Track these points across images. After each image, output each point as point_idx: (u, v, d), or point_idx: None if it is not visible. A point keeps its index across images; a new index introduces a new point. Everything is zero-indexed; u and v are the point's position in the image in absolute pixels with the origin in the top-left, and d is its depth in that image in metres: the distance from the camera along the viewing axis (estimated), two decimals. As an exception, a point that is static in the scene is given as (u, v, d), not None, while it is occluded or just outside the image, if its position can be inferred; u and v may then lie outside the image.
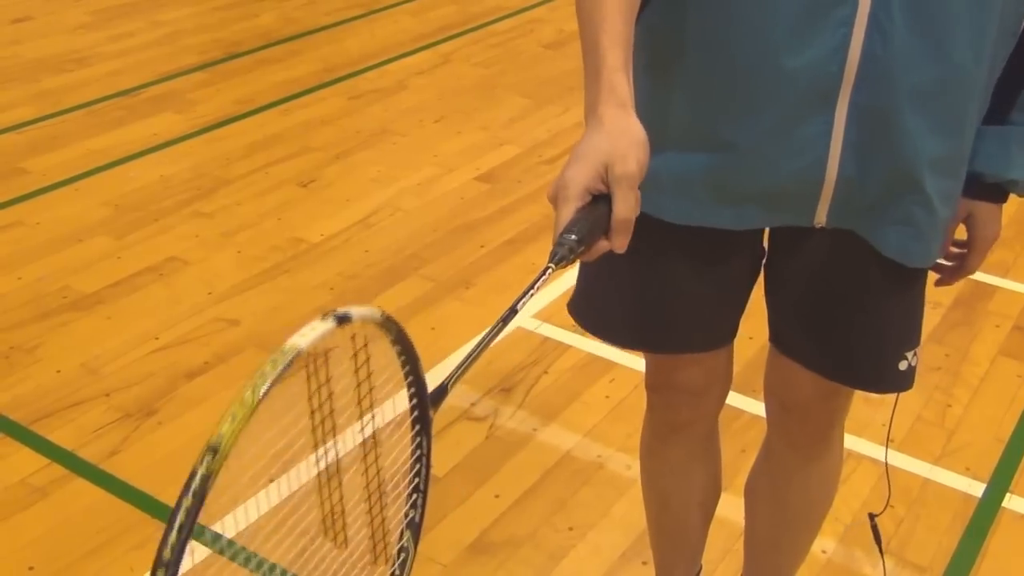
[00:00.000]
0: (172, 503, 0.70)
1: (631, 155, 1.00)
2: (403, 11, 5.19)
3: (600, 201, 1.00)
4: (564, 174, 1.00)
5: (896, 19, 1.14)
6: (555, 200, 1.00)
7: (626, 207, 1.00)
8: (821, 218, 1.29)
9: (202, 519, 0.69)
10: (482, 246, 3.16)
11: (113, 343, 2.68)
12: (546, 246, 3.48)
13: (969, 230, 1.39)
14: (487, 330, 0.96)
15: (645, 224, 1.36)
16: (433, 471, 2.32)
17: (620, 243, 1.01)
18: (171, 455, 2.32)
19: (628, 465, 2.31)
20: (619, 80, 1.04)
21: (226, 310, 2.82)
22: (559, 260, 0.98)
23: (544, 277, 0.97)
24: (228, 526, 2.10)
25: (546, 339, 2.74)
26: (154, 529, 2.10)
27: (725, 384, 1.63)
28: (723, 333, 1.52)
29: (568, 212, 0.99)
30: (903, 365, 1.40)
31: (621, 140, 1.01)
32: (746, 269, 1.45)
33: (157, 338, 2.70)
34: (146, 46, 4.66)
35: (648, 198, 1.36)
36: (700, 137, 1.27)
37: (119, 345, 2.68)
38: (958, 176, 1.31)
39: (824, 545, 2.11)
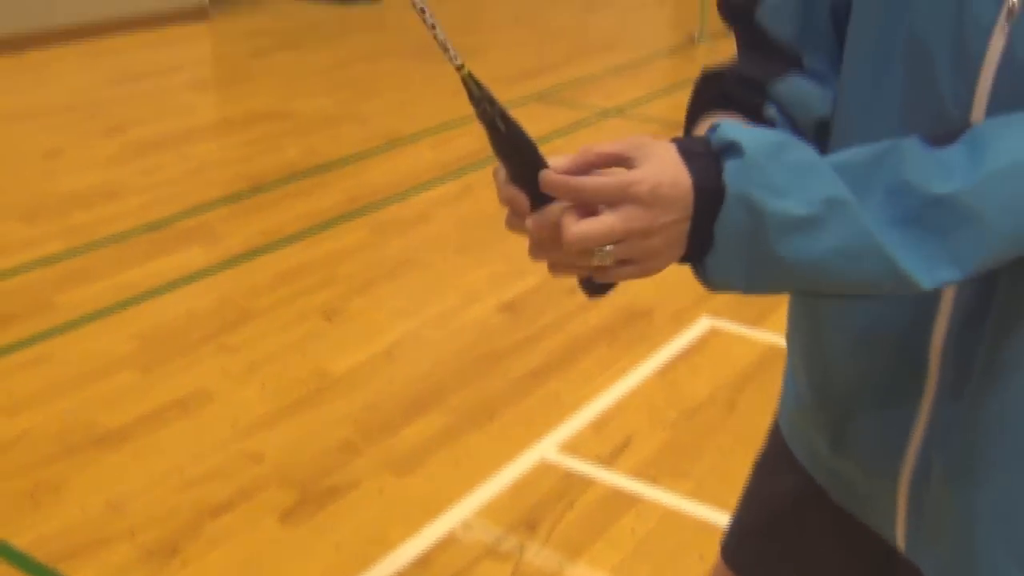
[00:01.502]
0: None
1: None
2: (424, 144, 5.30)
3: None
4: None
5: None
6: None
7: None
8: (900, 537, 1.07)
9: None
10: (505, 376, 3.18)
11: (138, 479, 2.69)
12: (572, 375, 3.45)
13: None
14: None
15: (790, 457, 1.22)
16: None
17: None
18: (194, 596, 2.30)
19: (655, 604, 2.27)
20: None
21: (250, 445, 2.83)
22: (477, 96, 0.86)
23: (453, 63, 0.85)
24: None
25: (569, 472, 2.72)
26: (176, 674, 2.07)
27: None
28: None
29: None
30: None
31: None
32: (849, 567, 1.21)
33: (182, 473, 2.71)
34: (175, 179, 4.77)
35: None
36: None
37: (144, 481, 2.68)
38: None
39: None
